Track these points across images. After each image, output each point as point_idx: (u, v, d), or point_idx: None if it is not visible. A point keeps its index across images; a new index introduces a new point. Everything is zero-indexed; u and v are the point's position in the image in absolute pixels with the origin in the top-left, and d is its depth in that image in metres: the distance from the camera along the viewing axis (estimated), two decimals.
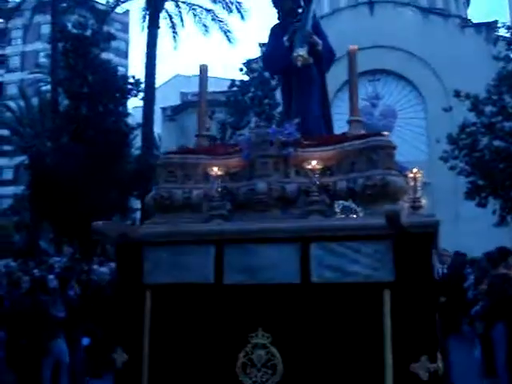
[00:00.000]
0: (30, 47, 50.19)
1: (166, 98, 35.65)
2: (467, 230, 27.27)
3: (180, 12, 30.89)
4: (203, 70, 6.23)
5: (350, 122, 5.74)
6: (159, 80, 33.33)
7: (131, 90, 29.46)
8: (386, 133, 6.02)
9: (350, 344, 4.81)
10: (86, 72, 27.47)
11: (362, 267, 4.88)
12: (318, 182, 5.23)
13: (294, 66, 6.42)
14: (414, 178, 5.71)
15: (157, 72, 29.30)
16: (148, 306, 5.45)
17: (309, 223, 5.09)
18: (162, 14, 30.15)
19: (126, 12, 41.10)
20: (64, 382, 9.72)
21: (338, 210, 5.11)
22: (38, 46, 44.61)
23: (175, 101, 36.73)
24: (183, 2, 30.68)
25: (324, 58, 6.57)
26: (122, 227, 5.59)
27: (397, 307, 4.73)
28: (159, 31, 29.48)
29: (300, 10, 6.84)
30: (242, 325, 5.11)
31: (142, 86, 29.64)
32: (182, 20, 31.17)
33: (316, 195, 5.19)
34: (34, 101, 31.23)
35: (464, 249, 19.78)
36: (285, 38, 6.61)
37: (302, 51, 6.28)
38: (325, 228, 5.00)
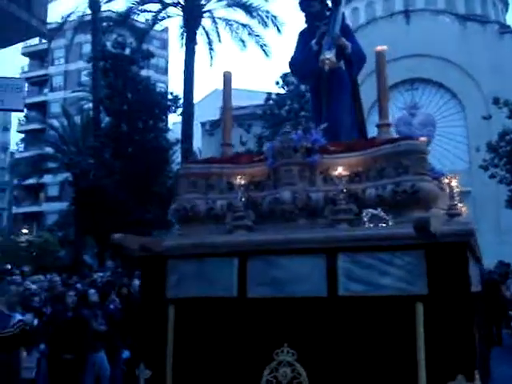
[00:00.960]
0: (72, 66, 50.83)
1: (205, 113, 35.60)
2: (509, 238, 26.41)
3: (217, 28, 30.78)
4: (227, 77, 5.98)
5: (378, 127, 5.39)
6: (198, 95, 33.35)
7: (170, 106, 29.60)
8: (423, 138, 5.68)
9: (381, 361, 4.45)
10: (126, 90, 27.66)
11: (393, 279, 4.52)
12: (345, 190, 4.90)
13: (322, 70, 6.13)
14: (450, 184, 5.35)
15: (195, 87, 29.22)
16: (171, 320, 5.19)
17: (336, 233, 4.75)
18: (199, 31, 30.09)
19: (165, 29, 41.32)
20: None
21: (366, 218, 4.76)
22: (80, 64, 45.20)
23: (214, 115, 36.65)
24: (219, 18, 30.59)
25: (353, 60, 6.24)
26: (144, 240, 5.33)
27: (431, 322, 4.35)
28: (197, 47, 29.43)
29: (328, 13, 6.53)
30: (266, 340, 4.80)
31: (181, 101, 29.65)
32: (218, 36, 31.01)
33: (343, 203, 4.86)
34: (77, 119, 31.53)
35: (506, 258, 19.11)
36: (313, 42, 6.32)
37: (329, 54, 5.99)
38: (352, 238, 4.64)
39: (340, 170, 4.92)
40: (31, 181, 35.20)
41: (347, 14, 34.77)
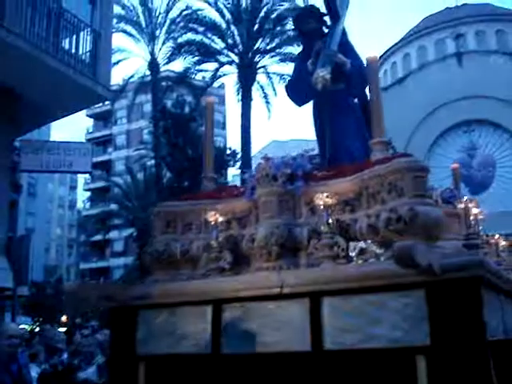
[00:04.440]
0: (134, 125, 51.63)
1: None
2: None
3: (272, 82, 30.40)
4: (210, 105, 5.16)
5: (372, 145, 4.37)
6: (256, 147, 32.84)
7: (229, 160, 29.25)
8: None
9: None
10: (186, 147, 27.49)
11: (388, 328, 3.47)
12: (331, 221, 3.92)
13: (321, 91, 5.20)
14: (466, 210, 4.30)
15: (253, 139, 28.82)
16: (141, 381, 4.27)
17: (318, 273, 3.76)
18: (255, 86, 29.79)
19: (222, 85, 41.33)
20: None
21: (353, 254, 3.75)
22: (142, 123, 45.85)
23: None
24: (274, 73, 30.23)
25: (353, 78, 5.26)
26: (105, 288, 4.48)
27: (435, 379, 3.28)
28: (254, 100, 29.04)
29: (327, 31, 5.64)
30: None
31: (239, 155, 29.23)
32: (274, 90, 30.58)
33: (328, 237, 3.88)
34: (140, 176, 31.60)
35: None
36: (309, 62, 5.44)
37: (322, 72, 5.04)
38: (336, 279, 3.64)
39: (324, 198, 3.94)
40: (97, 237, 35.36)
41: (398, 61, 33.83)
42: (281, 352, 3.76)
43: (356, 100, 5.62)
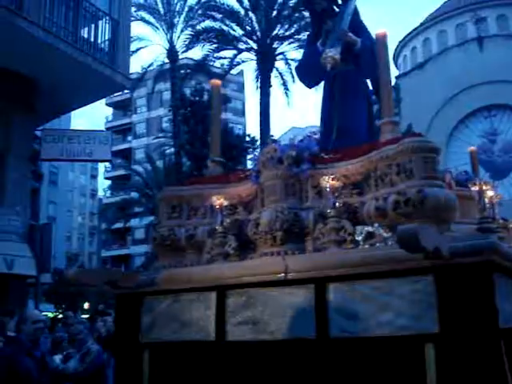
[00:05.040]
0: (153, 114, 51.53)
1: None
2: None
3: (290, 69, 30.09)
4: (215, 88, 5.01)
5: (381, 126, 4.18)
6: (276, 133, 32.53)
7: (248, 148, 29.07)
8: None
9: None
10: (206, 135, 27.42)
11: (395, 314, 3.31)
12: (338, 204, 3.76)
13: (331, 72, 5.02)
14: (481, 192, 4.11)
15: (272, 126, 28.61)
16: (146, 369, 4.17)
17: (324, 258, 3.61)
18: (274, 73, 29.51)
19: (241, 72, 41.05)
20: None
21: (360, 238, 3.59)
22: (161, 111, 45.82)
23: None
24: (292, 60, 29.91)
25: (363, 58, 5.05)
26: (110, 274, 4.37)
27: (445, 368, 3.12)
28: (273, 87, 28.78)
29: (337, 10, 5.44)
30: None
31: (258, 143, 29.07)
32: (292, 76, 30.28)
33: (335, 221, 3.72)
34: (159, 163, 31.58)
35: None
36: (318, 42, 5.25)
37: (332, 51, 4.86)
38: (343, 264, 3.48)
39: (330, 181, 3.78)
40: (118, 225, 35.39)
41: (418, 46, 33.30)
42: (285, 339, 3.62)
43: (369, 81, 5.44)
